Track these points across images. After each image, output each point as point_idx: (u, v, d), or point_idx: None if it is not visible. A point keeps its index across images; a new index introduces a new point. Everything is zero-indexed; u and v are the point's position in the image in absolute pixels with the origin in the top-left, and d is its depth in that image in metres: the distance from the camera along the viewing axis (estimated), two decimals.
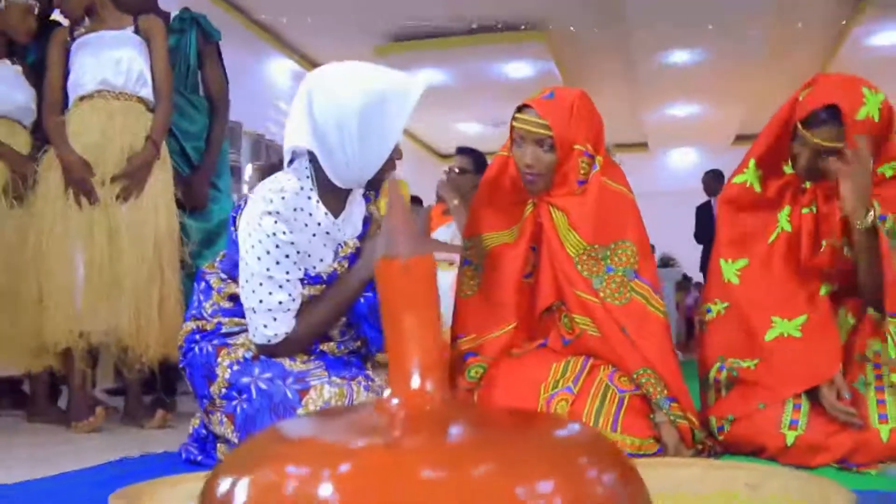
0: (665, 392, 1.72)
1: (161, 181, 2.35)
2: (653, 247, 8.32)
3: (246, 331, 1.63)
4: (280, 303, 1.56)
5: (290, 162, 1.67)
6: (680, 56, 8.34)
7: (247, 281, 1.58)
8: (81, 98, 2.34)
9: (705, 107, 10.07)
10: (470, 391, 1.82)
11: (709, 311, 1.95)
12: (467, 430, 0.71)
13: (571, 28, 7.89)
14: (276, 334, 1.58)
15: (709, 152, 11.43)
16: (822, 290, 1.81)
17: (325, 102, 1.53)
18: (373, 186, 1.71)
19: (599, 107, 1.90)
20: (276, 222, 1.54)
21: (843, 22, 7.58)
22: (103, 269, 2.24)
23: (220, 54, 2.80)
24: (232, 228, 1.67)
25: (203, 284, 1.73)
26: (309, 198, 1.62)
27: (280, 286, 1.56)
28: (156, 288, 2.25)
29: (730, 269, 1.91)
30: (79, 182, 2.24)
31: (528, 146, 1.80)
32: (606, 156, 1.89)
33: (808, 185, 1.86)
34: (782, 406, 1.71)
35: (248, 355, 1.62)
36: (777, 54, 8.16)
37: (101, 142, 2.29)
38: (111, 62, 2.33)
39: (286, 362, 1.59)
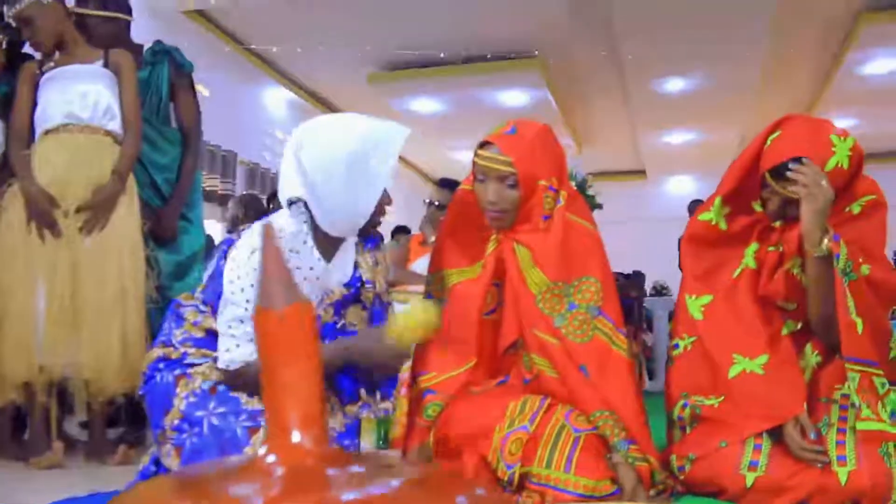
0: (623, 434, 1.67)
1: (127, 214, 2.34)
2: (643, 275, 8.24)
3: (209, 360, 1.61)
4: (246, 332, 1.54)
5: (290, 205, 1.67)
6: (675, 84, 8.36)
7: (225, 308, 1.57)
8: (47, 131, 2.33)
9: (702, 134, 10.08)
10: (427, 429, 1.78)
11: (676, 346, 1.93)
12: (346, 488, 0.68)
13: (565, 56, 7.92)
14: (232, 359, 1.56)
15: (706, 179, 11.41)
16: (785, 329, 1.79)
17: (314, 153, 1.57)
18: (364, 234, 1.72)
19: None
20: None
21: (837, 49, 7.61)
22: (65, 302, 2.22)
23: (192, 86, 2.81)
24: (222, 262, 1.66)
25: (174, 314, 1.71)
26: (305, 242, 1.63)
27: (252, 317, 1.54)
28: (117, 322, 2.22)
29: (694, 305, 1.88)
30: (41, 215, 2.23)
31: (490, 183, 1.77)
32: (570, 189, 1.87)
33: (777, 224, 1.84)
34: (743, 446, 1.67)
35: (207, 386, 1.59)
36: (772, 81, 8.19)
37: (65, 175, 2.28)
38: (78, 96, 2.33)
39: (243, 398, 1.56)
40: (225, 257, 1.63)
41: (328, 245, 1.67)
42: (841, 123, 7.61)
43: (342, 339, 1.66)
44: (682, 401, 1.83)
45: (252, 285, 1.53)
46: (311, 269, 1.63)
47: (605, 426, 1.68)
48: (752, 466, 1.63)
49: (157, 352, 1.67)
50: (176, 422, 1.57)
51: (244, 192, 4.72)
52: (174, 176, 2.70)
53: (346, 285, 1.70)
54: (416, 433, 1.81)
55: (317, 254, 1.64)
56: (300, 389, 0.69)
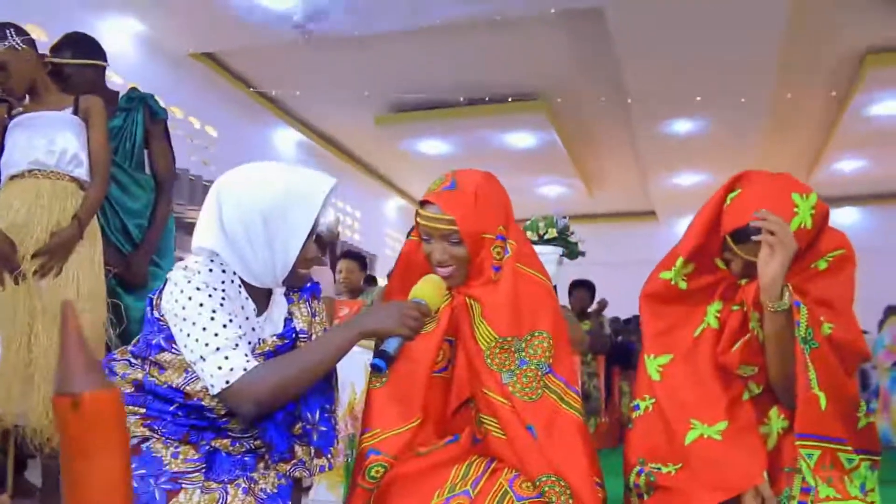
0: (570, 501, 1.59)
1: (87, 259, 2.32)
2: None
3: (137, 416, 1.55)
4: (227, 339, 1.47)
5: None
6: (682, 125, 8.33)
7: (188, 335, 1.48)
8: (12, 177, 2.33)
9: (711, 175, 10.02)
10: (369, 492, 1.71)
11: (636, 407, 1.83)
12: None
13: (570, 98, 7.93)
14: (231, 369, 1.46)
15: None
16: (746, 394, 1.70)
17: (232, 205, 1.53)
18: (291, 285, 1.66)
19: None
20: (206, 284, 1.49)
21: (843, 91, 7.55)
22: (21, 349, 2.19)
23: (167, 133, 2.81)
24: (149, 309, 1.61)
25: (108, 370, 1.66)
26: (233, 281, 1.57)
27: (224, 325, 1.47)
28: None
29: (652, 365, 1.80)
30: (1, 260, 2.21)
31: (436, 242, 1.72)
32: (519, 235, 1.80)
33: (742, 282, 1.76)
34: None
35: (130, 445, 1.53)
36: (780, 122, 8.14)
37: (25, 220, 2.27)
38: (44, 143, 2.33)
39: (166, 458, 1.49)
40: (151, 306, 1.58)
41: (259, 295, 1.62)
42: (849, 165, 7.61)
43: (349, 321, 1.60)
44: (639, 467, 1.74)
45: (210, 296, 1.47)
46: (242, 308, 1.57)
47: (550, 492, 1.59)
48: None
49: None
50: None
51: None
52: (146, 222, 2.69)
53: (280, 336, 1.63)
54: (358, 496, 1.73)
55: (251, 303, 1.59)
56: (96, 488, 0.63)
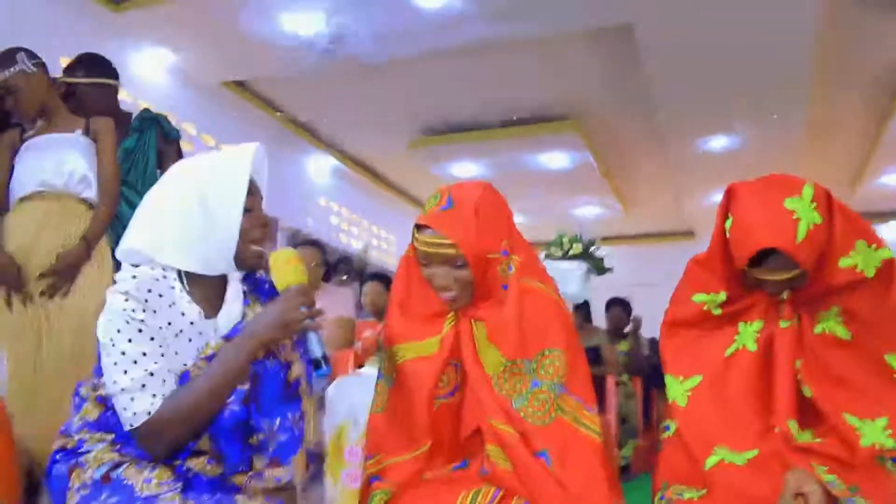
0: None
1: (96, 280, 2.29)
2: None
3: (104, 442, 1.49)
4: (133, 380, 1.41)
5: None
6: (718, 142, 8.14)
7: (105, 368, 1.44)
8: (22, 199, 2.32)
9: None
10: None
11: (667, 428, 1.71)
12: None
13: (603, 118, 7.82)
14: (134, 414, 1.41)
15: None
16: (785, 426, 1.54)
17: (165, 190, 1.55)
18: (246, 266, 1.58)
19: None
20: (126, 300, 1.44)
21: (884, 102, 7.31)
22: (28, 370, 2.17)
23: (180, 153, 2.80)
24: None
25: (77, 398, 1.60)
26: (172, 287, 1.51)
27: (134, 361, 1.41)
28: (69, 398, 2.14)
29: (679, 389, 1.65)
30: (8, 281, 2.20)
31: (436, 268, 1.60)
32: (524, 248, 1.68)
33: (786, 295, 1.59)
34: None
35: (99, 475, 1.46)
36: (817, 137, 7.92)
37: (33, 241, 2.27)
38: (53, 164, 2.33)
39: (138, 485, 1.41)
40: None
41: (208, 292, 1.56)
42: (894, 179, 7.22)
43: (238, 339, 1.50)
44: (662, 491, 1.61)
45: (119, 330, 1.42)
46: (184, 314, 1.50)
47: None
48: None
49: (57, 443, 1.55)
50: None
51: None
52: None
53: (226, 338, 1.54)
54: None
55: (187, 298, 1.52)
56: None
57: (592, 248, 3.09)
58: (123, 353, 1.41)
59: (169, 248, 1.50)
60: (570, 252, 3.05)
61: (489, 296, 1.63)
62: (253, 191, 1.55)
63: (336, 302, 3.95)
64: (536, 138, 8.25)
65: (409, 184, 10.50)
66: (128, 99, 5.61)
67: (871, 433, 1.46)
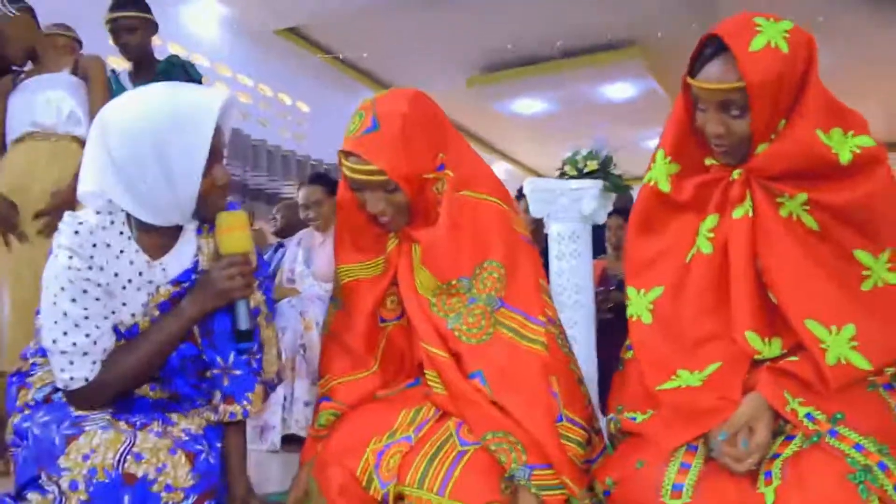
0: (524, 457, 1.37)
1: None
2: None
3: (48, 367, 1.50)
4: (74, 344, 1.40)
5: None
6: None
7: (45, 323, 1.44)
8: (15, 141, 2.37)
9: None
10: (317, 440, 1.58)
11: (629, 348, 1.58)
12: None
13: (668, 43, 7.41)
14: (72, 378, 1.41)
15: None
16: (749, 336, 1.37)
17: (117, 141, 1.39)
18: (203, 219, 1.52)
19: None
20: (70, 257, 1.40)
21: None
22: (28, 308, 2.22)
23: None
24: None
25: (37, 324, 1.63)
26: (121, 232, 1.46)
27: (76, 325, 1.40)
28: None
29: (641, 303, 1.49)
30: (4, 222, 2.26)
31: (368, 193, 1.50)
32: (459, 157, 1.57)
33: (736, 174, 1.40)
34: (665, 465, 1.32)
35: (41, 395, 1.48)
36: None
37: (25, 182, 2.30)
38: (41, 104, 2.36)
39: None
40: None
41: (160, 238, 1.49)
42: None
43: (177, 308, 1.47)
44: (614, 413, 1.50)
45: (62, 288, 1.38)
46: (132, 263, 1.45)
47: (499, 450, 1.38)
48: (676, 492, 1.28)
49: (15, 366, 1.58)
50: (10, 437, 1.46)
51: (287, 201, 4.69)
52: None
53: (176, 281, 1.50)
54: (309, 445, 1.61)
55: (135, 246, 1.46)
56: None
57: (611, 165, 2.92)
58: (65, 314, 1.39)
59: (122, 196, 1.43)
60: (585, 169, 2.89)
61: (427, 214, 1.55)
62: (215, 150, 1.43)
63: None
64: (599, 68, 7.94)
65: (468, 122, 10.32)
66: (182, 52, 5.69)
67: (836, 345, 1.28)
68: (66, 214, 1.45)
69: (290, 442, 3.02)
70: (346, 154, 1.49)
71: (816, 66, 1.33)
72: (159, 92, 1.43)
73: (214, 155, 1.43)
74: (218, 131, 1.43)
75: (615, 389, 1.56)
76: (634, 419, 1.43)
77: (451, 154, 1.55)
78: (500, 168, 12.05)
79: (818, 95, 1.32)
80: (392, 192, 1.49)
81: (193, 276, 1.50)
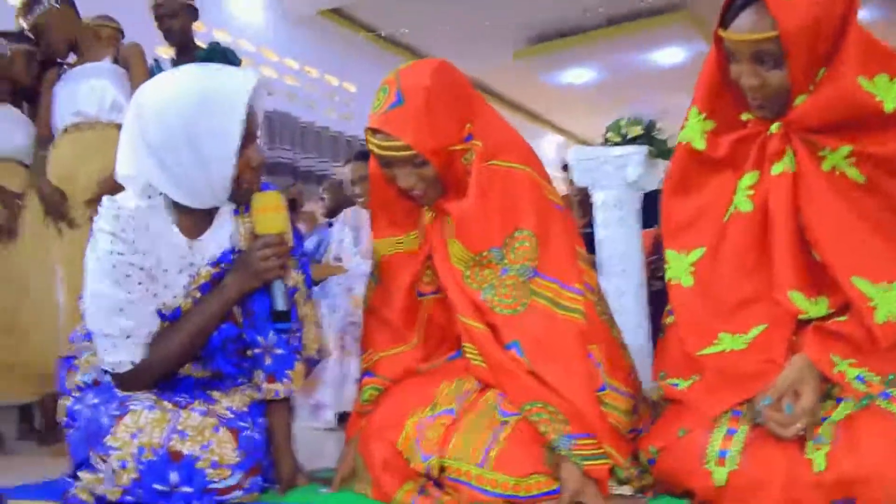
0: (565, 428, 1.34)
1: None
2: None
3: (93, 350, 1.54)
4: (119, 328, 1.43)
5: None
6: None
7: (89, 308, 1.47)
8: (62, 132, 2.43)
9: None
10: (362, 415, 1.59)
11: (671, 313, 1.54)
12: None
13: (716, 3, 7.18)
14: (119, 362, 1.45)
15: None
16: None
17: (150, 118, 1.41)
18: (238, 200, 1.53)
19: None
20: (112, 241, 1.43)
21: None
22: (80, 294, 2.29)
23: None
24: None
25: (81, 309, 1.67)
26: (161, 215, 1.48)
27: (120, 309, 1.43)
28: None
29: (681, 265, 1.45)
30: (54, 211, 2.33)
31: (397, 169, 1.49)
32: (487, 126, 1.54)
33: (774, 127, 1.33)
34: (709, 432, 1.29)
35: (89, 379, 1.53)
36: None
37: (73, 171, 2.37)
38: (85, 93, 2.41)
39: None
40: None
41: (197, 219, 1.51)
42: None
43: (219, 288, 1.49)
44: (658, 380, 1.47)
45: (105, 272, 1.41)
46: (182, 256, 1.48)
47: (539, 421, 1.36)
48: (721, 458, 1.25)
49: (64, 350, 1.63)
50: (64, 418, 1.51)
51: (332, 180, 4.72)
52: None
53: (216, 263, 1.51)
54: (353, 420, 1.63)
55: (175, 229, 1.48)
56: None
57: (655, 130, 2.84)
58: (109, 299, 1.42)
59: (159, 179, 1.45)
60: (629, 135, 2.83)
61: (458, 185, 1.53)
62: (248, 131, 1.43)
63: None
64: (647, 34, 7.75)
65: (517, 94, 10.21)
66: (227, 39, 5.74)
67: (885, 302, 1.22)
68: (105, 198, 1.48)
69: (346, 419, 3.06)
70: (373, 131, 1.49)
71: (857, 6, 1.25)
72: (189, 76, 1.44)
73: (248, 137, 1.43)
74: (250, 113, 1.43)
75: (657, 356, 1.53)
76: (677, 385, 1.40)
77: (478, 124, 1.53)
78: (552, 140, 11.92)
79: (860, 40, 1.24)
80: (420, 165, 1.47)
81: (232, 258, 1.52)
